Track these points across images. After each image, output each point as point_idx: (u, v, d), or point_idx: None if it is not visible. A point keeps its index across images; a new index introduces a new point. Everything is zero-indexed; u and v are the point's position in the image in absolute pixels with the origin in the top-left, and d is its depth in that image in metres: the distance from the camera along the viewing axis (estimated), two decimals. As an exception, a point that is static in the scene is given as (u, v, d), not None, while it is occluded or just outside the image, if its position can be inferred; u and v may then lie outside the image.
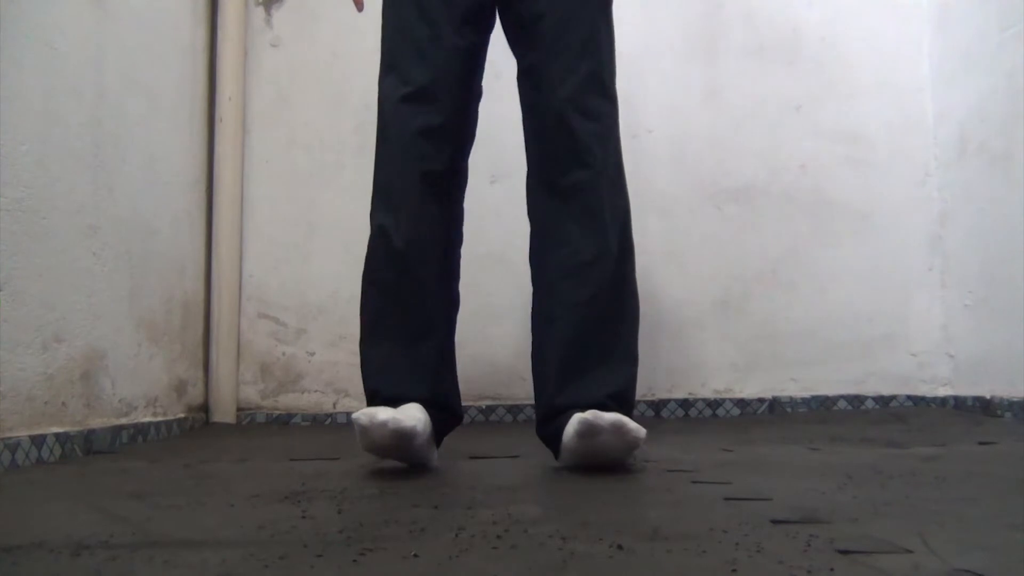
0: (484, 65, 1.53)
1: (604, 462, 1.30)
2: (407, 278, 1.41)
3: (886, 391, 2.50)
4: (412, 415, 1.28)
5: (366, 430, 1.25)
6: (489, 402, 2.44)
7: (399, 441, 1.25)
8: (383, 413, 1.25)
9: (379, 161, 1.48)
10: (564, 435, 1.31)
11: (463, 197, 1.53)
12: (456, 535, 0.87)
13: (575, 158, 1.42)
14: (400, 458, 1.33)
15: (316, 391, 2.50)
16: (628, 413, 1.34)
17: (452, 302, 1.50)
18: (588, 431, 1.25)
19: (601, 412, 1.25)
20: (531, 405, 1.63)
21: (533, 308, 1.49)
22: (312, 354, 2.51)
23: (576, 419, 1.26)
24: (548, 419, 1.40)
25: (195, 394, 2.35)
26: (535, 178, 1.48)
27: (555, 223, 1.44)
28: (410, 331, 1.41)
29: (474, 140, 1.55)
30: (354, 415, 1.27)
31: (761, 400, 2.49)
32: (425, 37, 1.44)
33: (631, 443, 1.26)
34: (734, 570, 0.71)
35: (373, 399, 1.39)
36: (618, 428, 1.24)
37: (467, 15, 1.46)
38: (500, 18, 1.52)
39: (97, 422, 1.76)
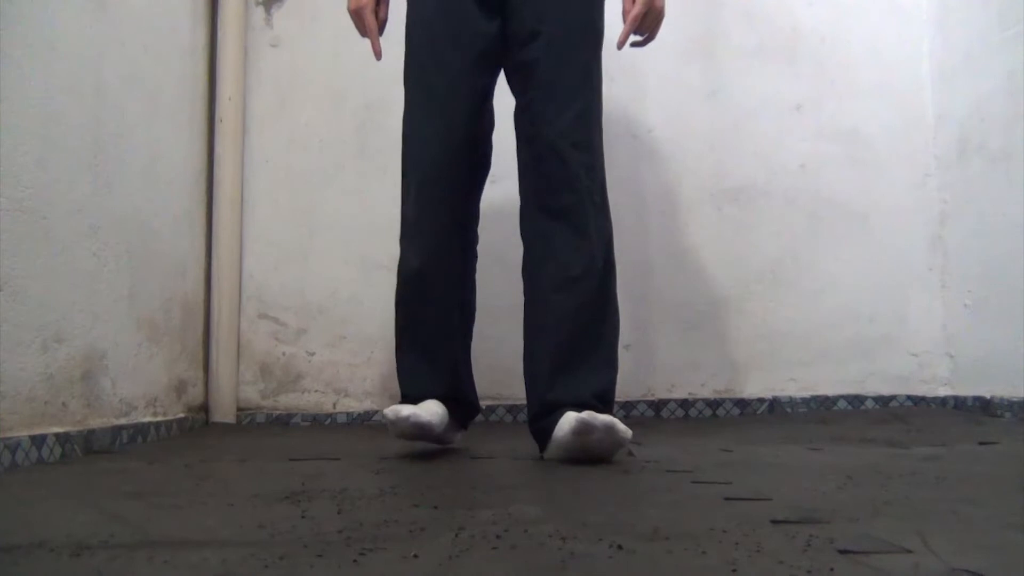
0: (493, 99, 1.69)
1: (590, 457, 1.42)
2: (424, 298, 1.64)
3: (886, 391, 2.50)
4: (430, 410, 1.54)
5: (393, 423, 1.51)
6: (489, 402, 2.44)
7: (419, 432, 1.52)
8: (406, 410, 1.50)
9: (404, 193, 1.67)
10: (557, 430, 1.44)
11: (477, 223, 1.74)
12: (456, 535, 0.87)
13: (565, 184, 1.56)
14: (426, 441, 1.59)
15: (316, 391, 2.50)
16: (609, 411, 1.50)
17: (467, 314, 1.73)
18: (584, 429, 1.37)
19: (596, 413, 1.39)
20: (531, 405, 1.69)
21: (525, 318, 1.63)
22: (312, 354, 2.51)
23: (573, 418, 1.39)
24: (540, 415, 1.54)
25: (195, 394, 2.35)
26: (528, 202, 1.63)
27: (546, 242, 1.59)
28: (428, 343, 1.65)
29: (489, 169, 1.72)
30: (384, 411, 1.55)
31: (761, 400, 2.49)
32: (442, 84, 1.61)
33: (619, 442, 1.40)
34: (734, 570, 0.71)
35: (403, 398, 1.65)
36: (610, 428, 1.38)
37: (478, 59, 1.62)
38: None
39: (97, 422, 1.76)
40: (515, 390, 2.38)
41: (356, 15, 1.73)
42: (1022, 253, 2.17)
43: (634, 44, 1.68)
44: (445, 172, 1.60)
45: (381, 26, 1.76)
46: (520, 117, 1.64)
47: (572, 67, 1.59)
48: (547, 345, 1.55)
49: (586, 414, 1.37)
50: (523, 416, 2.37)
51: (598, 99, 1.63)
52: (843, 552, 0.77)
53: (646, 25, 1.65)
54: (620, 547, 0.80)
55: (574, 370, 1.51)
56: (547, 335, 1.55)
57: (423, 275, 1.61)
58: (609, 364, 1.56)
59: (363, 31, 1.75)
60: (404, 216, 1.66)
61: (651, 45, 1.68)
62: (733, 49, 2.62)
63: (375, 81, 2.48)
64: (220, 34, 2.49)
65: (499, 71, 1.68)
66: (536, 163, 1.59)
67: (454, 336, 1.68)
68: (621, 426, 1.38)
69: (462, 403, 1.68)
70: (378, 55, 1.73)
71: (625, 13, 1.65)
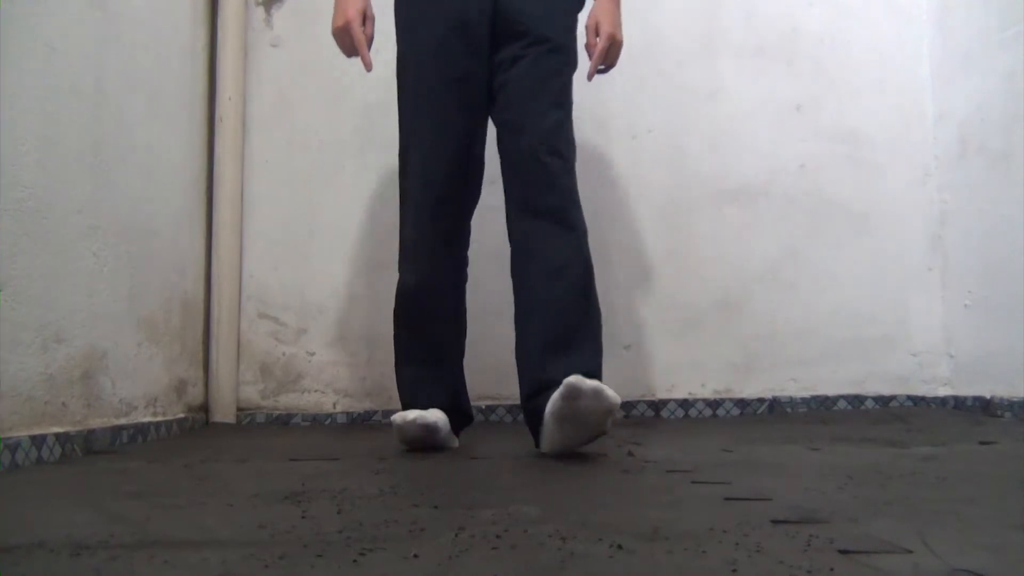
0: (486, 135, 1.81)
1: (583, 429, 1.46)
2: (422, 314, 1.77)
3: (886, 391, 2.50)
4: (435, 414, 1.67)
5: (401, 427, 1.65)
6: (489, 402, 2.44)
7: (425, 433, 1.64)
8: (412, 413, 1.64)
9: (402, 219, 1.80)
10: (549, 402, 1.48)
11: (468, 247, 1.82)
12: (456, 535, 0.87)
13: (547, 185, 1.69)
14: (428, 447, 1.67)
15: (316, 391, 2.50)
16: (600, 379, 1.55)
17: (460, 330, 1.84)
18: (572, 393, 1.41)
19: (584, 378, 1.41)
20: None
21: (516, 308, 1.71)
22: (312, 354, 2.51)
23: (562, 383, 1.42)
24: (533, 394, 1.60)
25: (195, 394, 2.35)
26: (513, 206, 1.74)
27: (531, 240, 1.70)
28: (428, 357, 1.78)
29: (479, 198, 1.83)
30: (392, 417, 1.68)
31: (761, 400, 2.49)
32: (436, 123, 1.74)
33: (608, 407, 1.42)
34: (734, 570, 0.71)
35: (406, 408, 1.74)
36: (597, 393, 1.40)
37: (467, 99, 1.75)
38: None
39: (97, 422, 1.76)
40: (514, 390, 2.36)
41: (343, 31, 1.77)
42: (1022, 253, 2.17)
43: (599, 72, 1.84)
44: (440, 202, 1.74)
45: (368, 42, 1.80)
46: (502, 133, 1.77)
47: (548, 88, 1.74)
48: (537, 327, 1.64)
49: (574, 378, 1.40)
50: (522, 416, 2.38)
51: (569, 116, 1.78)
52: (843, 552, 0.77)
53: (609, 58, 1.81)
54: (620, 547, 0.80)
55: (563, 351, 1.59)
56: (537, 318, 1.64)
57: (422, 294, 1.76)
58: (596, 348, 1.64)
59: (348, 49, 1.80)
60: (403, 240, 1.79)
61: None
62: (733, 49, 2.63)
63: (375, 81, 2.47)
64: (220, 34, 2.49)
65: (487, 110, 1.79)
66: (518, 170, 1.72)
67: (451, 350, 1.82)
68: (609, 391, 1.41)
69: (458, 413, 1.79)
70: (368, 67, 1.79)
71: (589, 47, 1.82)
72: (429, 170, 1.74)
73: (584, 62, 1.82)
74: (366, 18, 1.80)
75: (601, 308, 1.69)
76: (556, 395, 1.44)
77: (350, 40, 1.77)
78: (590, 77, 1.83)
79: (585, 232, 1.70)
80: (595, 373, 1.57)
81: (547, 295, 1.64)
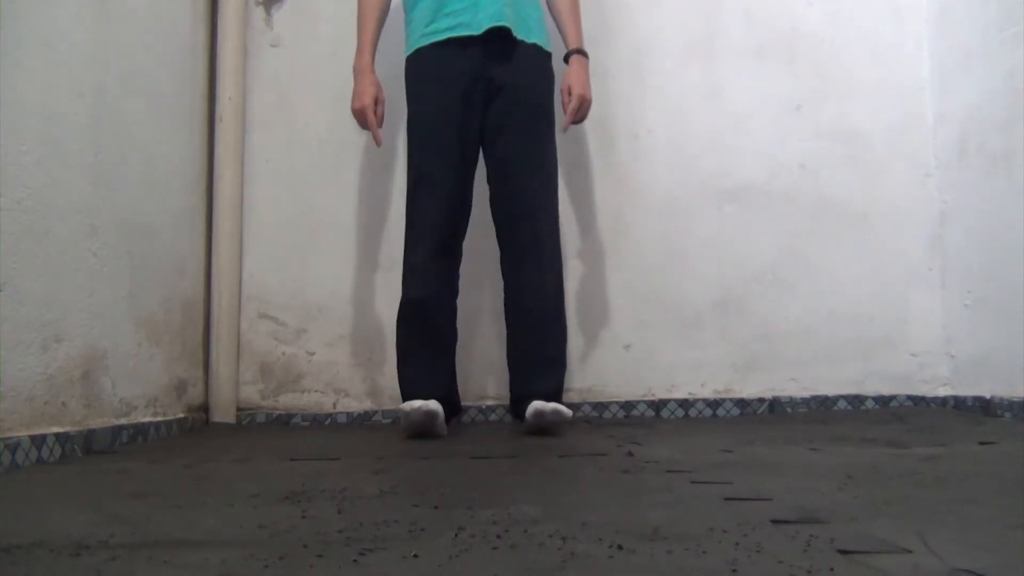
0: (474, 177, 2.18)
1: (548, 428, 1.99)
2: (422, 323, 2.12)
3: (886, 391, 2.50)
4: (434, 403, 1.98)
5: (408, 414, 1.95)
6: (489, 402, 2.45)
7: (427, 419, 1.94)
8: (417, 403, 1.95)
9: (407, 246, 2.16)
10: (527, 413, 2.02)
11: (460, 263, 2.18)
12: (456, 535, 0.87)
13: (531, 238, 2.13)
14: (427, 433, 1.96)
15: (316, 391, 2.50)
16: (559, 399, 2.09)
17: (453, 335, 2.19)
18: (540, 414, 1.99)
19: (546, 403, 1.99)
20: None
21: (507, 333, 2.18)
22: (312, 354, 2.51)
23: (532, 407, 2.00)
24: (519, 401, 2.12)
25: (195, 394, 2.35)
26: (505, 249, 2.16)
27: (517, 278, 2.15)
28: (428, 358, 2.13)
29: (467, 226, 2.18)
30: (400, 405, 2.01)
31: (761, 400, 2.49)
32: (441, 170, 2.12)
33: (564, 420, 2.00)
34: (734, 570, 0.72)
35: (408, 400, 2.03)
36: (556, 411, 1.98)
37: (467, 152, 2.13)
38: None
39: (97, 422, 1.76)
40: (515, 390, 2.37)
41: (360, 113, 2.15)
42: (1022, 253, 2.17)
43: (574, 124, 2.23)
44: (443, 235, 2.12)
45: (380, 121, 2.17)
46: (493, 178, 2.16)
47: (535, 148, 2.15)
48: (522, 353, 2.15)
49: (540, 404, 1.99)
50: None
51: (555, 169, 2.21)
52: (843, 552, 0.77)
53: (580, 114, 2.21)
54: (620, 547, 0.80)
55: (539, 371, 2.13)
56: (522, 345, 2.16)
57: (423, 307, 2.11)
58: (562, 364, 2.18)
59: (364, 125, 2.17)
60: (409, 264, 2.14)
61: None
62: (733, 49, 2.62)
63: (375, 81, 2.48)
64: (220, 34, 2.48)
65: (478, 158, 2.17)
66: (510, 221, 2.14)
67: (446, 351, 2.17)
68: (564, 409, 2.00)
69: (450, 404, 2.12)
70: (379, 144, 2.19)
71: (564, 104, 2.21)
72: (436, 210, 2.12)
73: (560, 115, 2.20)
74: (378, 101, 2.17)
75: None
76: (531, 412, 2.00)
77: (366, 120, 2.15)
78: (565, 129, 2.22)
79: (558, 267, 2.17)
80: (559, 387, 2.14)
81: (527, 325, 2.14)
